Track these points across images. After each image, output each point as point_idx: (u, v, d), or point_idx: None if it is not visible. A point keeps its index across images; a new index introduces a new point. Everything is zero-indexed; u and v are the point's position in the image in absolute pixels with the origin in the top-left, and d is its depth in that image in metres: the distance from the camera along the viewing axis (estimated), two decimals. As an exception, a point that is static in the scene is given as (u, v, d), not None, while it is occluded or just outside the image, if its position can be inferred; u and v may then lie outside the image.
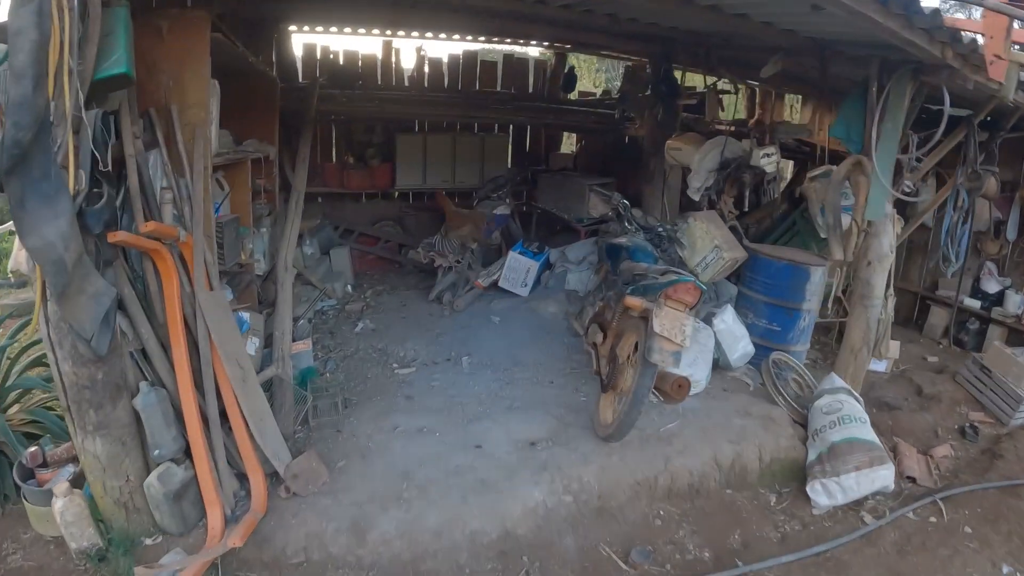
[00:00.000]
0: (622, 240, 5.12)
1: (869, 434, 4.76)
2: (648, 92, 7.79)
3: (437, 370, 5.64)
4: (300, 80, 8.30)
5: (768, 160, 6.42)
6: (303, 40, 8.58)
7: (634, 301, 3.99)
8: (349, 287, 7.90)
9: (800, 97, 10.13)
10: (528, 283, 7.22)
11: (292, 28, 8.43)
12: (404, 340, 6.22)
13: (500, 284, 7.26)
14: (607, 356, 4.57)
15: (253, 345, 4.96)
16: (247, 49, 6.17)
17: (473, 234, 7.30)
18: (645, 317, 3.96)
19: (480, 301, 7.20)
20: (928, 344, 7.42)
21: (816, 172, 6.85)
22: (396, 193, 9.31)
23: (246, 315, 5.01)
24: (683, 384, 4.13)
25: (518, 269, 7.21)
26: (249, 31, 6.79)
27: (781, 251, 6.05)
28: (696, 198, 6.92)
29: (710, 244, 5.68)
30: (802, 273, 5.78)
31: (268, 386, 4.65)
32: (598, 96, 10.93)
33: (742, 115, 10.28)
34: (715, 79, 8.27)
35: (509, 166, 9.48)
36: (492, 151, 9.14)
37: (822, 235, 7.14)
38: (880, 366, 6.33)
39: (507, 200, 7.75)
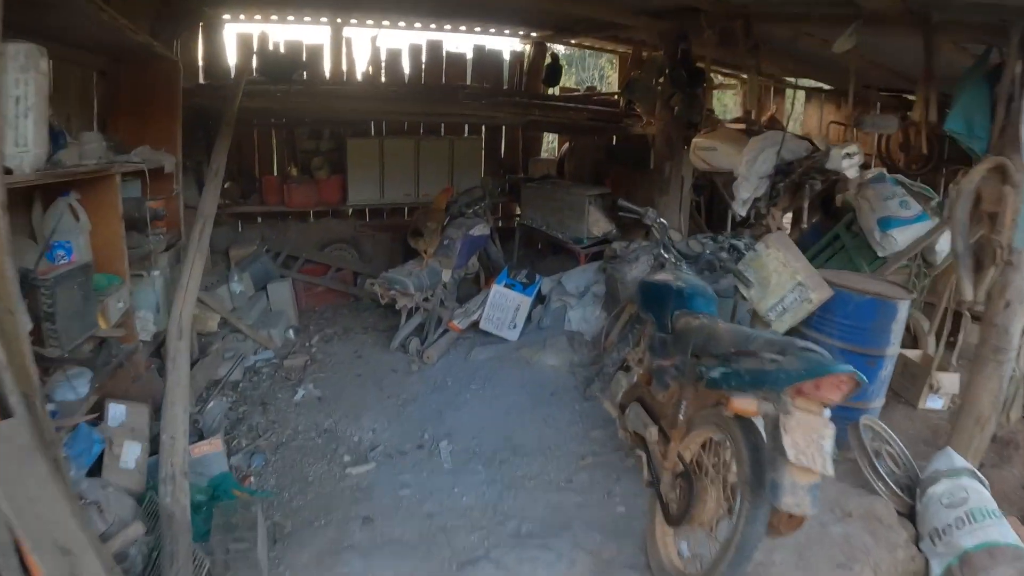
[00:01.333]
0: (668, 279, 3.54)
1: (1010, 535, 3.43)
2: (662, 79, 6.24)
3: (406, 466, 4.05)
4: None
5: (851, 162, 4.98)
6: (239, 30, 7.24)
7: (746, 405, 2.46)
8: (291, 332, 6.30)
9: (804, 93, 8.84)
10: (517, 324, 5.70)
11: (226, 17, 7.11)
12: (359, 414, 4.65)
13: (482, 326, 5.73)
14: (669, 464, 3.04)
15: (132, 454, 3.42)
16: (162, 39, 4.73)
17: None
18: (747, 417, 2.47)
19: (457, 349, 5.65)
20: (967, 366, 5.99)
21: (868, 175, 5.48)
22: (350, 210, 7.77)
23: (119, 408, 3.45)
24: (797, 518, 2.61)
25: (504, 306, 5.67)
26: (171, 17, 5.38)
27: (858, 280, 4.60)
28: (743, 213, 5.45)
29: (790, 280, 4.12)
30: (889, 310, 4.37)
31: (154, 522, 3.07)
32: (582, 92, 9.42)
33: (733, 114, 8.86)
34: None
35: (483, 175, 7.91)
36: (463, 157, 7.58)
37: (880, 254, 5.80)
38: (936, 403, 5.14)
39: (485, 218, 6.18)
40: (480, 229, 5.94)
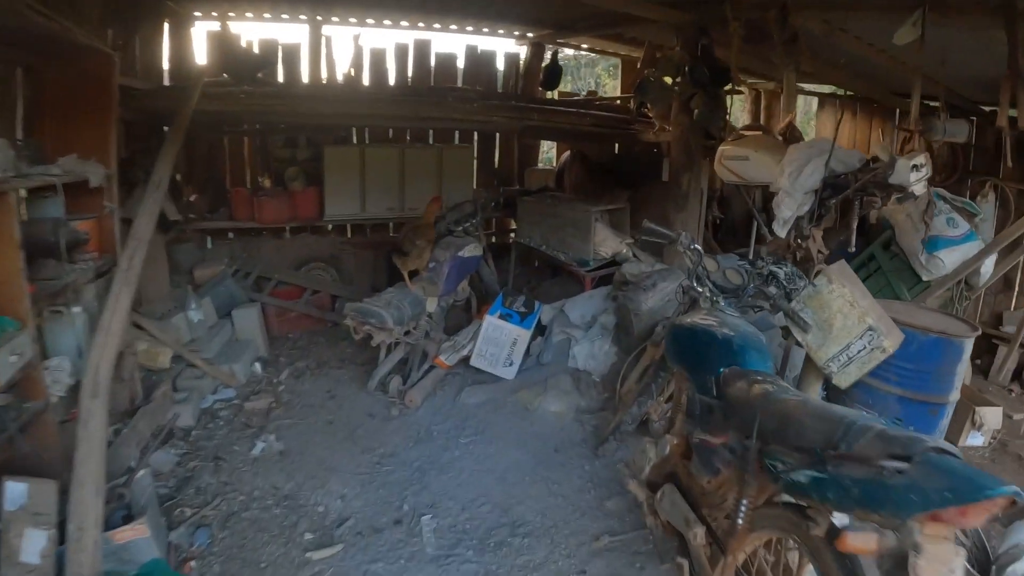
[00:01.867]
0: (710, 325, 2.78)
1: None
2: (679, 79, 5.50)
3: (381, 549, 3.29)
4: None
5: (918, 176, 4.26)
6: (210, 28, 6.59)
7: (864, 543, 1.71)
8: (257, 366, 5.56)
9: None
10: (514, 360, 4.98)
11: (197, 14, 6.54)
12: (327, 475, 3.90)
13: (473, 362, 5.00)
14: (721, 577, 2.29)
15: (36, 544, 2.73)
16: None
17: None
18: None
19: (444, 389, 4.92)
20: (999, 393, 5.34)
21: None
22: (330, 226, 7.04)
23: (18, 487, 2.75)
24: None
25: (499, 340, 4.95)
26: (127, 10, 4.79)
27: (910, 313, 3.88)
28: (783, 234, 4.73)
29: (858, 324, 3.31)
30: (955, 350, 3.73)
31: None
32: (582, 96, 8.71)
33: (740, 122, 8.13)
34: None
35: (475, 186, 7.18)
36: (453, 167, 6.83)
37: (924, 278, 5.14)
38: (977, 439, 4.60)
39: (477, 236, 5.42)
40: (471, 250, 5.18)
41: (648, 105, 5.96)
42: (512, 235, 6.79)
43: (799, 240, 4.76)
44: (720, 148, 5.21)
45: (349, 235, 7.15)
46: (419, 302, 4.71)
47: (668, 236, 3.49)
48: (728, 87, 5.69)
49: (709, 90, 5.43)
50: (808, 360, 3.67)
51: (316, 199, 6.44)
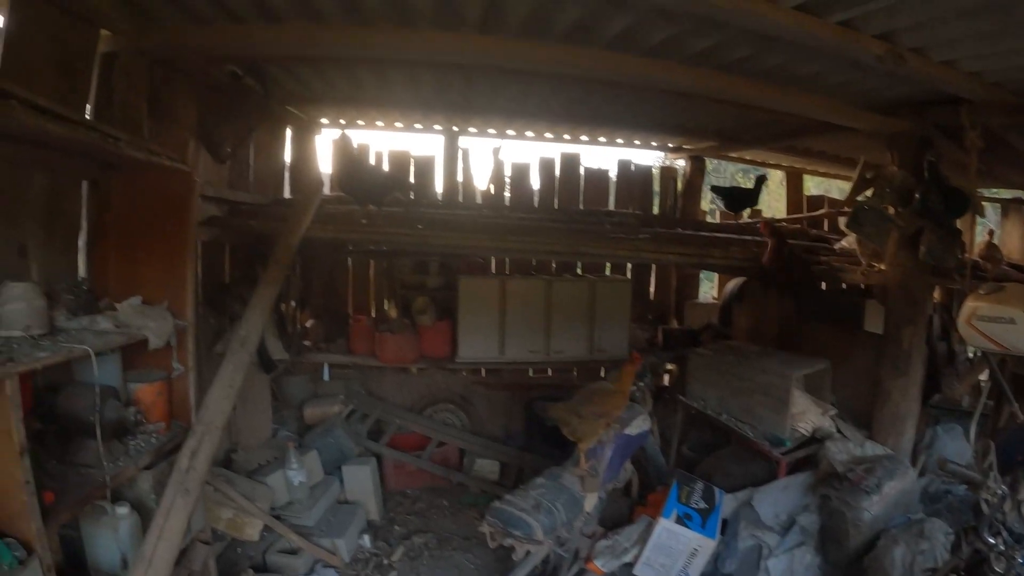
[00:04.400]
0: None
1: None
2: (898, 205, 4.29)
3: None
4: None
5: None
6: (335, 136, 6.24)
7: None
8: (366, 538, 4.63)
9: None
10: (690, 574, 3.77)
11: (323, 121, 6.11)
12: None
13: (637, 572, 3.80)
14: None
15: None
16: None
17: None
18: None
19: (599, 604, 3.75)
20: None
21: None
22: (460, 365, 6.16)
23: None
24: None
25: (673, 550, 3.75)
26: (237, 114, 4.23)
27: None
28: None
29: None
30: None
31: None
32: (743, 221, 7.50)
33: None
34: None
35: (630, 323, 6.08)
36: (606, 302, 5.75)
37: None
38: None
39: (644, 404, 4.28)
40: (639, 423, 4.03)
41: (861, 240, 4.74)
42: (674, 388, 5.62)
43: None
44: (970, 304, 3.93)
45: (483, 373, 6.20)
46: (575, 501, 3.57)
47: (974, 480, 2.34)
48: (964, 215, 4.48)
49: (943, 222, 4.24)
50: None
51: (447, 337, 5.53)
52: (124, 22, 3.18)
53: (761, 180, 6.00)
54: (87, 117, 2.99)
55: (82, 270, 3.18)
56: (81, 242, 3.19)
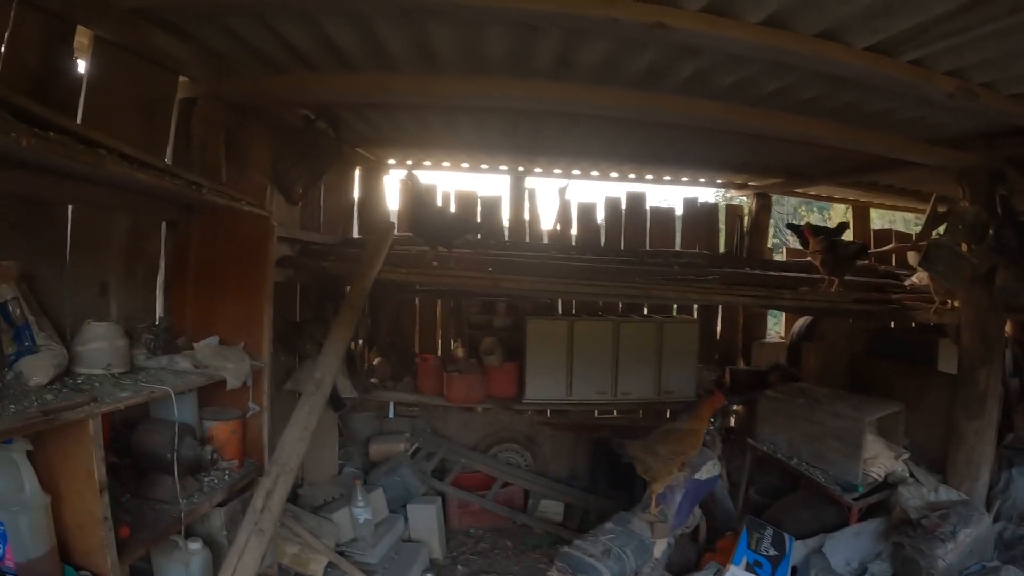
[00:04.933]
0: None
1: None
2: (971, 242, 4.14)
3: None
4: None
5: None
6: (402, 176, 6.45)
7: None
8: (429, 577, 4.62)
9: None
10: (762, 627, 3.65)
11: (391, 162, 6.28)
12: None
13: (706, 620, 3.71)
14: None
15: None
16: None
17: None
18: None
19: (668, 657, 3.66)
20: None
21: None
22: (527, 405, 6.15)
23: None
24: None
25: (745, 599, 3.65)
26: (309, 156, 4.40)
27: None
28: None
29: None
30: None
31: None
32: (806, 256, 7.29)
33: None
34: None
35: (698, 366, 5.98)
36: (673, 344, 5.65)
37: None
38: None
39: (714, 448, 4.19)
40: (709, 468, 3.94)
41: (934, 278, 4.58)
42: (741, 429, 5.49)
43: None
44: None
45: (548, 414, 6.17)
46: (645, 548, 3.50)
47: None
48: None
49: (1017, 258, 4.07)
50: None
51: (514, 378, 5.52)
52: (203, 70, 3.32)
53: (843, 227, 5.81)
54: (168, 163, 3.11)
55: (159, 309, 3.30)
56: (159, 281, 3.30)
